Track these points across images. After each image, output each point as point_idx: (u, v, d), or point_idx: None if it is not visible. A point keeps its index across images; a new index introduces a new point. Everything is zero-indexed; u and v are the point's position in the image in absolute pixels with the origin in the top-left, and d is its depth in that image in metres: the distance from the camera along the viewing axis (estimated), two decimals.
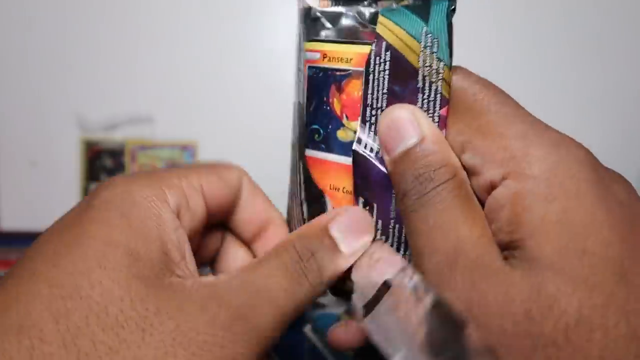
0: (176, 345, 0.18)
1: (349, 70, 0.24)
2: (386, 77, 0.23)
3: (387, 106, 0.23)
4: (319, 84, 0.24)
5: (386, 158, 0.23)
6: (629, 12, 0.80)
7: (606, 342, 0.17)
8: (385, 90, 0.24)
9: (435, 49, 0.23)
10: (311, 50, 0.24)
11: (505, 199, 0.20)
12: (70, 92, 0.82)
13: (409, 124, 0.22)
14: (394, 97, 0.23)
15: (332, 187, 0.25)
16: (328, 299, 0.58)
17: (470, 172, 0.23)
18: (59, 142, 0.84)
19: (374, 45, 0.23)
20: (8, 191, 0.83)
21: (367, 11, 0.24)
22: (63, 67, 0.82)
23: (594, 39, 0.80)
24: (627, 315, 0.17)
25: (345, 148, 0.24)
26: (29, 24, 0.81)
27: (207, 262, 0.31)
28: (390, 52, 0.23)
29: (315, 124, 0.25)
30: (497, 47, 0.80)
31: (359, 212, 0.24)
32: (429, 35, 0.22)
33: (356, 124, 0.24)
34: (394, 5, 0.23)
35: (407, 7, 0.23)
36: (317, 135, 0.25)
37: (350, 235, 0.24)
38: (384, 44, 0.23)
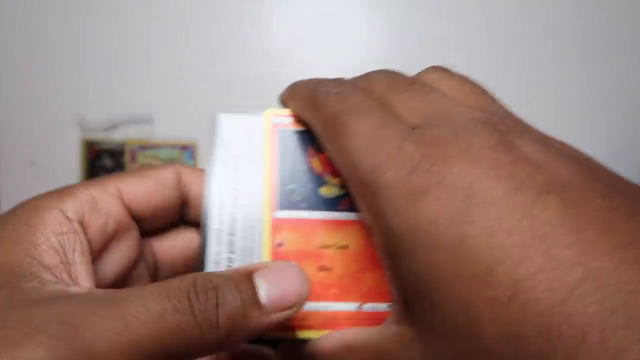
0: None
1: None
2: None
3: None
4: (294, 146, 0.25)
5: None
6: (629, 12, 0.80)
7: None
8: None
9: None
10: (279, 116, 0.26)
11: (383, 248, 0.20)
12: (70, 92, 0.82)
13: None
14: None
15: (322, 246, 0.24)
16: None
17: None
18: (59, 142, 0.84)
19: None
20: (8, 191, 0.83)
21: None
22: (63, 67, 0.82)
23: (594, 38, 0.80)
24: None
25: (330, 203, 0.25)
26: (29, 24, 0.81)
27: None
28: None
29: (292, 184, 0.25)
30: (497, 47, 0.80)
31: (296, 269, 0.21)
32: None
33: (340, 180, 0.24)
34: None
35: None
36: (295, 195, 0.25)
37: (277, 284, 0.20)
38: None
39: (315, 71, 0.79)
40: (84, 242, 0.23)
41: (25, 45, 0.82)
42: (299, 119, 0.25)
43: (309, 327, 0.23)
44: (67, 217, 0.22)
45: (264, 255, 0.25)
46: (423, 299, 0.18)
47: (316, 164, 0.25)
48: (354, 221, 0.25)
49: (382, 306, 0.24)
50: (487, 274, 0.16)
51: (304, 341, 0.23)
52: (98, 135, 0.84)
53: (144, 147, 0.85)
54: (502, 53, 0.80)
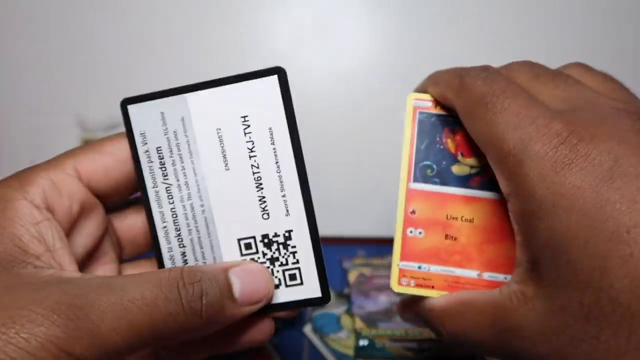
0: None
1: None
2: None
3: None
4: (431, 127, 0.28)
5: None
6: (629, 12, 0.80)
7: None
8: None
9: None
10: (420, 100, 0.28)
11: (518, 214, 0.22)
12: (70, 92, 0.82)
13: None
14: None
15: (449, 217, 0.27)
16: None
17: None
18: (59, 142, 0.84)
19: None
20: None
21: None
22: (63, 67, 0.82)
23: (594, 39, 0.80)
24: None
25: (461, 180, 0.28)
26: (29, 24, 0.81)
27: None
28: None
29: (427, 160, 0.28)
30: (497, 47, 0.80)
31: (263, 271, 0.26)
32: None
33: (472, 160, 0.28)
34: None
35: None
36: (429, 171, 0.28)
37: (248, 282, 0.24)
38: None
39: (315, 71, 0.79)
40: (58, 228, 0.24)
41: (26, 45, 0.82)
42: (437, 104, 0.28)
43: (431, 287, 0.27)
44: (36, 206, 0.23)
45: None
46: (559, 256, 0.19)
47: (451, 144, 0.28)
48: (481, 198, 0.28)
49: (500, 276, 0.27)
50: (625, 234, 0.18)
51: (425, 298, 0.27)
52: (98, 135, 0.84)
53: None
54: (501, 53, 0.80)
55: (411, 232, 0.27)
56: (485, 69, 0.25)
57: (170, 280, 0.21)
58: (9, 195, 0.23)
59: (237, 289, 0.24)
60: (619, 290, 0.18)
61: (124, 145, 0.28)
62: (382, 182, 0.70)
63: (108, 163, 0.27)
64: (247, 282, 0.25)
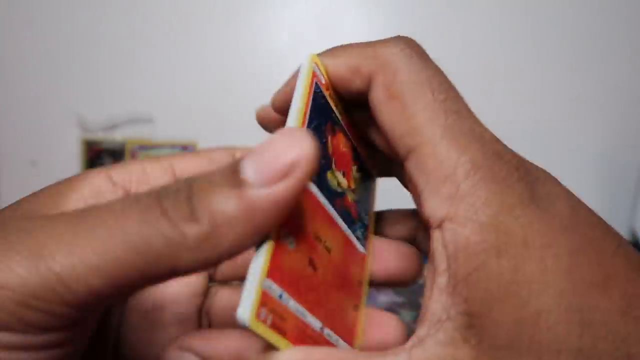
0: None
1: (340, 123, 0.21)
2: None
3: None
4: (320, 110, 0.20)
5: None
6: (629, 13, 0.80)
7: None
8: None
9: None
10: (319, 69, 0.21)
11: (451, 249, 0.17)
12: (70, 92, 0.82)
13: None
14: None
15: (315, 236, 0.19)
16: None
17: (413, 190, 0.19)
18: (59, 142, 0.84)
19: None
20: (8, 191, 0.83)
21: None
22: (63, 67, 0.82)
23: (594, 39, 0.80)
24: None
25: (331, 194, 0.20)
26: (29, 24, 0.81)
27: None
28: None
29: None
30: (497, 46, 0.80)
31: (293, 130, 0.16)
32: None
33: (340, 175, 0.21)
34: None
35: None
36: None
37: (264, 156, 0.16)
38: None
39: None
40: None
41: (26, 45, 0.82)
42: (329, 87, 0.21)
43: (284, 333, 0.17)
44: (113, 182, 0.20)
45: None
46: (505, 310, 0.16)
47: (329, 144, 0.20)
48: (339, 227, 0.20)
49: (338, 340, 0.19)
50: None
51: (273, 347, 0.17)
52: (98, 135, 0.84)
53: (144, 147, 0.85)
54: (501, 52, 0.80)
55: (285, 236, 0.17)
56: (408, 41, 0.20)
57: (149, 195, 0.16)
58: (94, 171, 0.20)
59: (250, 168, 0.15)
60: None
61: (223, 153, 0.24)
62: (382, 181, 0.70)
63: (204, 164, 0.23)
64: (266, 154, 0.16)
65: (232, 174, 0.15)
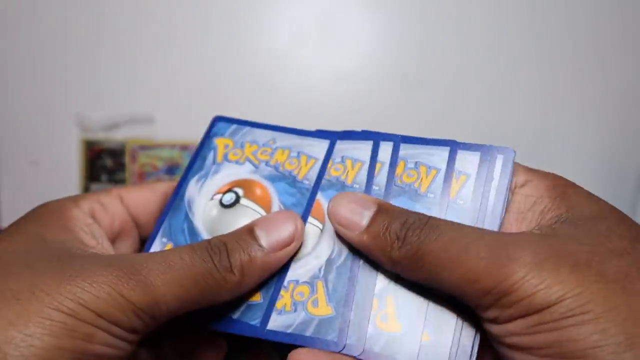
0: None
1: None
2: None
3: None
4: None
5: (353, 233, 0.26)
6: (629, 13, 0.80)
7: None
8: None
9: None
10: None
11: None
12: (70, 92, 0.82)
13: (359, 201, 0.26)
14: None
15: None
16: None
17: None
18: (59, 142, 0.84)
19: None
20: (8, 191, 0.83)
21: None
22: (63, 67, 0.82)
23: (595, 39, 0.80)
24: None
25: None
26: (29, 24, 0.81)
27: None
28: None
29: None
30: (496, 47, 0.80)
31: (282, 212, 0.27)
32: None
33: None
34: None
35: None
36: None
37: (272, 230, 0.26)
38: None
39: (315, 71, 0.79)
40: (104, 233, 0.28)
41: (26, 45, 0.82)
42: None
43: None
44: (85, 214, 0.27)
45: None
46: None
47: None
48: None
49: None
50: None
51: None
52: (98, 135, 0.84)
53: (144, 147, 0.85)
54: (501, 53, 0.80)
55: None
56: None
57: (201, 247, 0.24)
58: (66, 205, 0.27)
59: (263, 236, 0.26)
60: None
61: (165, 186, 0.32)
62: None
63: (148, 195, 0.31)
64: (273, 227, 0.26)
65: (252, 241, 0.25)
